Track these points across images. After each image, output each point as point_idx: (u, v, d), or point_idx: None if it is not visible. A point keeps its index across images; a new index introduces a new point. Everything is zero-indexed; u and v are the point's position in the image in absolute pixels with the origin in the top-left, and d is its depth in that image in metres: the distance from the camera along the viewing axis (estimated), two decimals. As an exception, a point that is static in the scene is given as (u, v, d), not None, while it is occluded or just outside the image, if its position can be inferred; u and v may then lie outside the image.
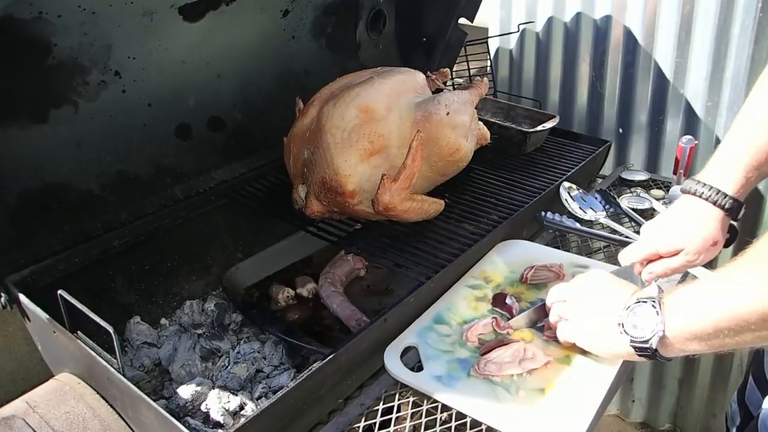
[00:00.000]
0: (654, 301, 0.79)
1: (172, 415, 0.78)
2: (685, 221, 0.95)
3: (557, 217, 1.32)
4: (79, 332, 0.90)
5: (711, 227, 0.93)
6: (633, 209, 1.37)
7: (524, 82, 2.01)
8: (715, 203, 0.92)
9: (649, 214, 1.36)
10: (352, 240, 1.22)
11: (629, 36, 1.72)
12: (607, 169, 1.63)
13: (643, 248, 0.99)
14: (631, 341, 0.80)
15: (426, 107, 1.21)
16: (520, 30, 1.92)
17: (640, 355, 0.81)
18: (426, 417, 0.89)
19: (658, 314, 0.78)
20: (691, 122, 1.69)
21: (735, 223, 0.99)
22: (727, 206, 0.92)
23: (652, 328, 0.78)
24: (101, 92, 1.13)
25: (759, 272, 0.66)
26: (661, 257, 0.97)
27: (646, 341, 0.78)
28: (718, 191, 0.92)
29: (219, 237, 1.33)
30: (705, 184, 0.94)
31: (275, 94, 1.44)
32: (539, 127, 1.53)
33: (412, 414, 0.90)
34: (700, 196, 0.93)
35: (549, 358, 0.95)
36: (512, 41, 2.00)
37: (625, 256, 1.01)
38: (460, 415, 0.89)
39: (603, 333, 0.86)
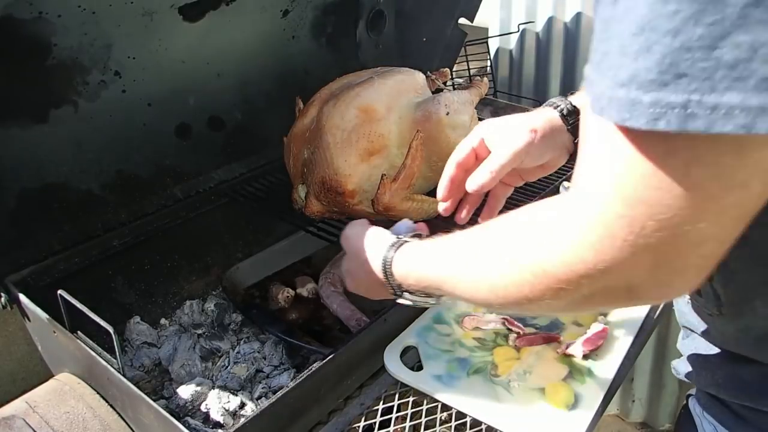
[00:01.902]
0: (395, 245, 0.73)
1: (172, 415, 0.78)
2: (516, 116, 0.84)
3: (557, 217, 1.32)
4: (79, 332, 0.90)
5: (536, 118, 0.81)
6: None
7: (524, 82, 2.01)
8: (551, 105, 0.82)
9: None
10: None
11: (629, 36, 1.72)
12: (607, 169, 1.63)
13: (470, 138, 0.86)
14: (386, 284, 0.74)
15: (426, 107, 1.21)
16: (520, 30, 1.92)
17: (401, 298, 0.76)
18: (426, 417, 0.89)
19: (411, 302, 0.74)
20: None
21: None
22: (563, 109, 0.81)
23: (394, 284, 0.73)
24: (101, 92, 1.13)
25: (481, 257, 0.59)
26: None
27: (392, 285, 0.73)
28: (562, 99, 0.82)
29: (219, 237, 1.33)
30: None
31: (275, 94, 1.44)
32: (539, 127, 1.52)
33: (412, 414, 0.90)
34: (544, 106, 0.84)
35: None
36: (512, 41, 2.00)
37: (455, 154, 0.88)
38: (460, 415, 0.89)
39: (372, 284, 0.78)
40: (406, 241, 0.75)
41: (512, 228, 0.56)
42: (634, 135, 0.39)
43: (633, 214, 0.40)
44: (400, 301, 0.76)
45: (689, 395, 0.83)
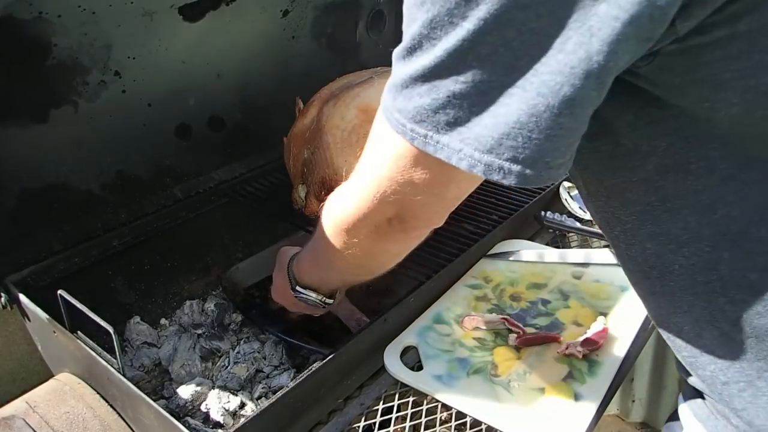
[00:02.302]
0: (296, 290, 0.94)
1: (172, 415, 0.78)
2: None
3: (557, 216, 1.32)
4: (79, 332, 0.90)
5: None
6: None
7: (524, 82, 2.01)
8: None
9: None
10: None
11: (629, 36, 1.72)
12: (607, 169, 1.63)
13: None
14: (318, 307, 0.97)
15: (426, 107, 1.21)
16: (520, 30, 1.92)
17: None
18: (426, 417, 0.89)
19: (309, 297, 0.94)
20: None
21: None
22: None
23: (317, 303, 0.95)
24: (101, 92, 1.13)
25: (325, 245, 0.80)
26: None
27: (320, 306, 0.96)
28: None
29: (219, 237, 1.33)
30: None
31: (275, 94, 1.44)
32: (539, 127, 1.52)
33: (412, 414, 0.90)
34: None
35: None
36: (512, 41, 2.00)
37: None
38: (460, 415, 0.89)
39: (284, 289, 0.98)
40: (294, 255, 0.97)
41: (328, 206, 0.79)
42: (400, 142, 0.58)
43: (381, 184, 0.64)
44: (297, 297, 0.95)
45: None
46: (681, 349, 0.68)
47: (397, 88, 0.55)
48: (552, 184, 1.38)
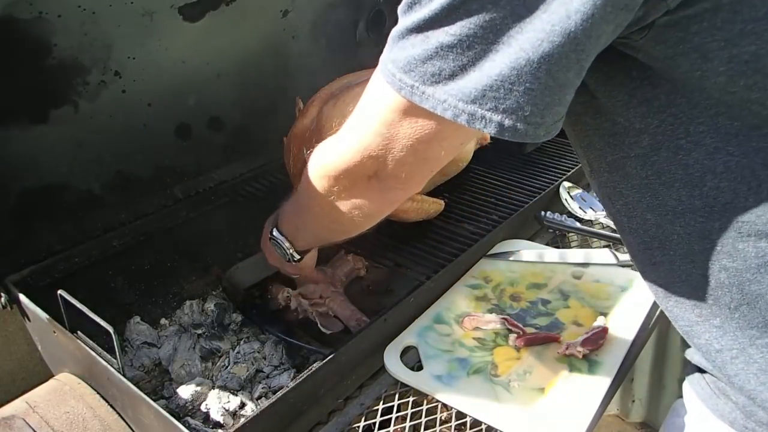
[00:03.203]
0: (272, 232, 0.97)
1: (172, 415, 0.78)
2: None
3: (557, 216, 1.32)
4: (79, 332, 0.90)
5: None
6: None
7: (524, 82, 2.01)
8: None
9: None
10: (352, 240, 1.21)
11: (629, 36, 1.72)
12: (607, 169, 1.63)
13: None
14: (285, 259, 1.00)
15: (426, 107, 1.21)
16: (520, 30, 1.92)
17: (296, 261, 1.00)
18: (426, 417, 0.89)
19: (281, 244, 0.97)
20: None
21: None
22: None
23: (285, 255, 0.98)
24: (101, 92, 1.13)
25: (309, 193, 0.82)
26: None
27: (289, 259, 0.99)
28: None
29: (219, 237, 1.33)
30: None
31: (275, 94, 1.44)
32: (539, 127, 1.52)
33: (412, 414, 0.90)
34: None
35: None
36: (512, 41, 2.00)
37: None
38: (460, 415, 0.89)
39: (278, 260, 1.03)
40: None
41: (313, 157, 0.81)
42: (390, 93, 0.61)
43: (368, 137, 0.66)
44: (271, 239, 0.98)
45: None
46: (678, 319, 0.71)
47: (394, 39, 0.59)
48: (552, 183, 1.38)
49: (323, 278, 1.14)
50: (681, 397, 0.79)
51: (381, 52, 0.62)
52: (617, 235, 1.28)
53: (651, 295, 0.97)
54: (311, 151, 0.81)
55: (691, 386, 0.75)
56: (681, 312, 0.69)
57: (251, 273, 1.24)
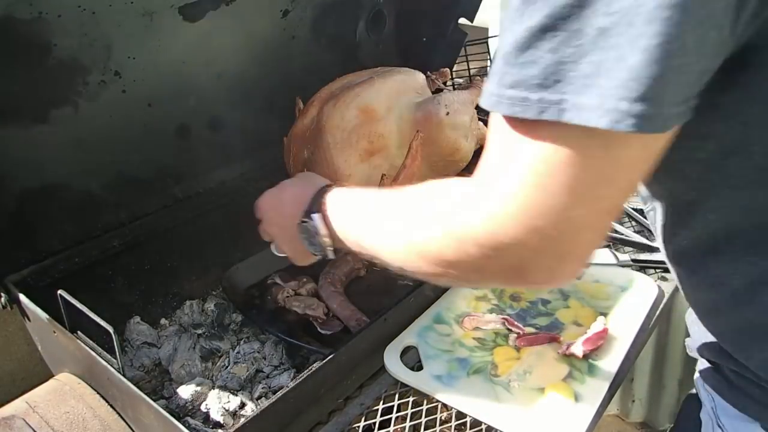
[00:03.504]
0: (311, 218, 0.79)
1: (172, 415, 0.78)
2: None
3: (557, 217, 1.32)
4: (79, 332, 0.90)
5: None
6: (633, 208, 1.37)
7: (524, 82, 2.01)
8: None
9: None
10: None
11: (629, 36, 1.72)
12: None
13: None
14: (313, 253, 0.83)
15: (426, 107, 1.21)
16: (520, 30, 1.91)
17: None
18: (426, 417, 0.89)
19: (318, 233, 0.79)
20: (691, 122, 1.69)
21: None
22: None
23: (318, 247, 0.80)
24: (101, 92, 1.13)
25: (406, 221, 0.66)
26: None
27: (321, 255, 0.82)
28: None
29: (219, 237, 1.33)
30: None
31: (275, 94, 1.44)
32: (539, 127, 1.52)
33: (412, 414, 0.90)
34: None
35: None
36: (512, 41, 2.00)
37: None
38: (460, 415, 0.89)
39: (293, 245, 0.86)
40: (332, 186, 0.81)
41: (433, 195, 0.65)
42: (525, 125, 0.49)
43: (526, 196, 0.50)
44: (304, 222, 0.80)
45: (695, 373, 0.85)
46: (739, 325, 0.68)
47: (509, 56, 0.48)
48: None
49: (342, 301, 1.11)
50: (690, 392, 0.80)
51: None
52: (617, 235, 1.28)
53: (651, 295, 0.98)
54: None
55: (704, 381, 0.76)
56: (740, 322, 0.67)
57: (251, 273, 1.24)
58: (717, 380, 0.75)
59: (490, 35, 1.99)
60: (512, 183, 0.50)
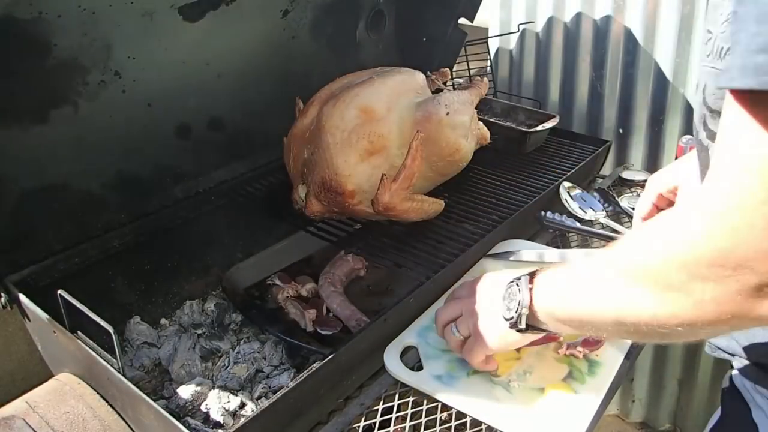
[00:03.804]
0: (518, 280, 0.77)
1: (172, 415, 0.78)
2: (681, 160, 0.98)
3: (557, 216, 1.32)
4: (79, 332, 0.90)
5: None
6: (633, 209, 1.37)
7: (524, 82, 2.01)
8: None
9: (649, 214, 1.36)
10: (352, 240, 1.22)
11: (629, 36, 1.72)
12: (607, 168, 1.63)
13: (646, 195, 1.02)
14: (505, 319, 0.79)
15: (426, 107, 1.21)
16: (520, 30, 1.91)
17: (518, 330, 0.79)
18: (426, 417, 0.89)
19: (520, 291, 0.76)
20: (691, 122, 1.69)
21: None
22: None
23: (516, 306, 0.77)
24: (101, 92, 1.13)
25: (621, 272, 0.60)
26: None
27: (514, 319, 0.78)
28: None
29: (219, 237, 1.33)
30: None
31: (275, 94, 1.44)
32: (539, 127, 1.53)
33: (412, 414, 0.90)
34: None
35: None
36: (512, 41, 2.00)
37: (637, 211, 1.06)
38: (460, 415, 0.89)
39: (492, 326, 0.83)
40: (535, 270, 0.77)
41: (655, 231, 0.56)
42: None
43: None
44: (518, 332, 0.78)
45: (731, 374, 0.84)
46: None
47: (762, 18, 0.39)
48: (552, 183, 1.38)
49: (342, 301, 1.11)
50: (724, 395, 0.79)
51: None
52: (617, 235, 1.28)
53: None
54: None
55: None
56: None
57: (251, 273, 1.24)
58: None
59: (490, 35, 1.99)
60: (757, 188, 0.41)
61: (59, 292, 0.88)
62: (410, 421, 0.89)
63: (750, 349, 0.76)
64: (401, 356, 0.98)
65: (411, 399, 0.92)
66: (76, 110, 1.11)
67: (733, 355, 0.81)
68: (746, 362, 0.78)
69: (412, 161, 1.14)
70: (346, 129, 1.13)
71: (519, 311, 0.77)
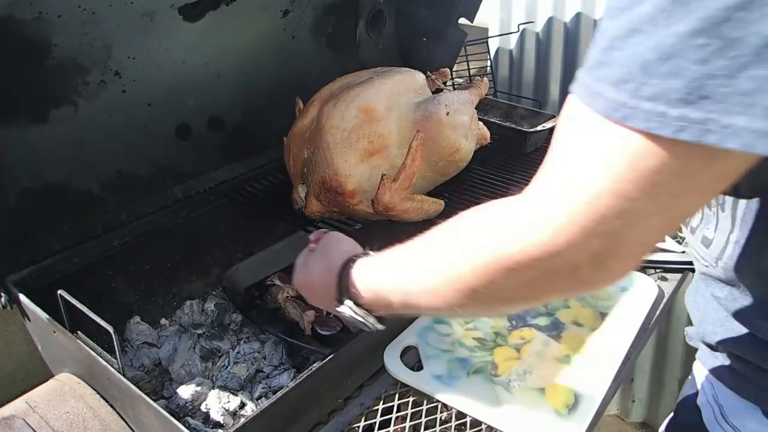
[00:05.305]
0: (344, 301, 0.76)
1: (172, 415, 0.78)
2: None
3: (557, 217, 1.32)
4: (79, 332, 0.90)
5: None
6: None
7: (524, 82, 2.01)
8: None
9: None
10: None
11: (629, 36, 1.72)
12: (607, 169, 1.63)
13: None
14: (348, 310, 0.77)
15: (426, 107, 1.21)
16: (520, 30, 1.92)
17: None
18: (426, 417, 0.89)
19: (355, 315, 0.76)
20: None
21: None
22: None
23: (363, 325, 0.77)
24: (101, 92, 1.13)
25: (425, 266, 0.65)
26: None
27: (368, 329, 0.78)
28: None
29: (219, 237, 1.33)
30: None
31: (275, 94, 1.44)
32: (539, 127, 1.52)
33: (412, 414, 0.90)
34: None
35: None
36: (512, 41, 2.00)
37: None
38: (460, 415, 0.89)
39: (322, 287, 0.80)
40: (368, 254, 0.77)
41: (473, 221, 0.63)
42: (645, 139, 0.43)
43: (599, 204, 0.46)
44: (339, 309, 0.77)
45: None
46: None
47: (650, 64, 0.42)
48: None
49: None
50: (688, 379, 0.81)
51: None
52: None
53: (651, 295, 0.99)
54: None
55: (703, 365, 0.77)
56: None
57: (251, 273, 1.24)
58: (720, 368, 0.76)
59: (490, 35, 1.99)
60: (590, 192, 0.47)
61: (59, 292, 0.88)
62: (410, 421, 0.89)
63: (702, 331, 0.79)
64: (401, 356, 0.98)
65: (411, 399, 0.92)
66: (76, 110, 1.11)
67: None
68: (704, 348, 0.81)
69: (412, 161, 1.14)
70: (346, 129, 1.13)
71: (369, 328, 0.78)
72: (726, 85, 0.40)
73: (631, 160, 0.44)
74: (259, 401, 0.98)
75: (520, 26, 1.90)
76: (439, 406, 0.91)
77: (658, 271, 1.18)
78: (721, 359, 0.77)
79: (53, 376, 1.00)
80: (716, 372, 0.77)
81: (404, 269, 0.69)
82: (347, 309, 0.76)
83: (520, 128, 1.55)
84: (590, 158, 0.47)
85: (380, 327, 0.78)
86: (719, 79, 0.40)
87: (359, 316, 0.76)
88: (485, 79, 1.54)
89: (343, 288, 0.76)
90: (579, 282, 0.53)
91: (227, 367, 1.04)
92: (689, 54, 0.40)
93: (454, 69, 1.80)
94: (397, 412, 0.91)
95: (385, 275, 0.72)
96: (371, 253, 0.78)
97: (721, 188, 0.47)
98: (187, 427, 0.77)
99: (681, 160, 0.43)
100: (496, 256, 0.54)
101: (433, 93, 1.32)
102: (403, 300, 0.69)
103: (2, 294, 1.02)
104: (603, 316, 1.04)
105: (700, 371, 0.82)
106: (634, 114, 0.43)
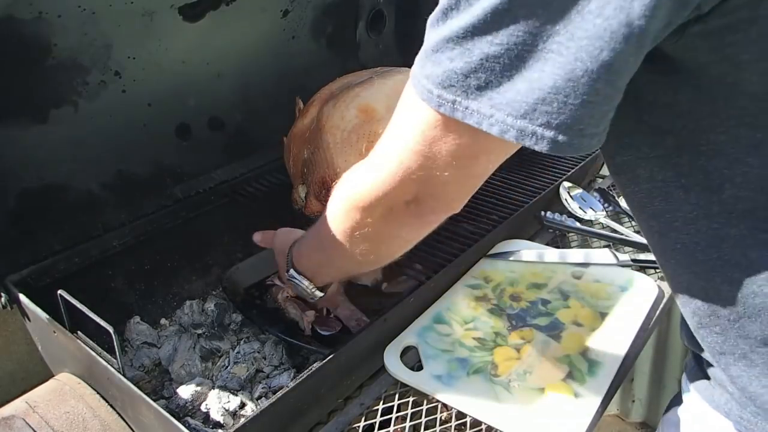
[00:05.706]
0: (290, 273, 0.94)
1: (172, 415, 0.78)
2: None
3: (557, 216, 1.32)
4: (79, 332, 0.90)
5: None
6: (633, 209, 1.37)
7: (524, 82, 2.01)
8: None
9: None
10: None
11: (629, 36, 1.72)
12: (607, 169, 1.63)
13: None
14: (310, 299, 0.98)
15: (426, 107, 1.21)
16: (520, 30, 1.92)
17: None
18: (426, 417, 0.89)
19: (300, 285, 0.94)
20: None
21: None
22: None
23: (308, 294, 0.96)
24: (101, 92, 1.13)
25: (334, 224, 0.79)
26: None
27: (312, 298, 0.97)
28: None
29: (219, 237, 1.33)
30: None
31: (275, 94, 1.44)
32: (539, 127, 1.52)
33: (412, 414, 0.90)
34: None
35: None
36: (512, 41, 2.00)
37: None
38: (460, 415, 0.89)
39: (283, 274, 0.99)
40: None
41: (342, 180, 0.78)
42: (427, 110, 0.58)
43: (405, 159, 0.63)
44: (288, 277, 0.95)
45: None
46: (687, 317, 0.71)
47: (427, 53, 0.55)
48: (552, 183, 1.38)
49: (342, 301, 1.13)
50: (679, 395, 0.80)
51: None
52: (617, 235, 1.29)
53: (650, 295, 0.99)
54: (334, 184, 0.79)
55: (687, 376, 0.77)
56: (687, 312, 0.70)
57: (251, 273, 1.24)
58: (694, 366, 0.76)
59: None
60: (398, 150, 0.65)
61: (59, 292, 0.88)
62: (410, 421, 0.89)
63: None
64: (401, 356, 0.98)
65: (411, 399, 0.92)
66: (76, 110, 1.11)
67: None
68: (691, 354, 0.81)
69: (412, 161, 1.14)
70: (346, 129, 1.13)
71: (312, 296, 0.96)
72: (463, 80, 0.53)
73: (422, 126, 0.60)
74: (259, 401, 0.97)
75: (520, 26, 1.90)
76: (439, 406, 0.91)
77: (658, 271, 1.18)
78: (701, 369, 0.76)
79: (53, 376, 1.00)
80: (698, 385, 0.76)
81: (317, 232, 0.85)
82: (294, 279, 0.94)
83: (520, 128, 1.54)
84: (401, 124, 0.64)
85: (319, 294, 0.95)
86: (459, 75, 0.53)
87: (303, 284, 0.93)
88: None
89: (289, 262, 0.94)
90: (417, 215, 0.69)
91: (227, 367, 1.04)
92: (445, 52, 0.53)
93: (454, 69, 1.80)
94: (397, 412, 0.91)
95: (309, 244, 0.91)
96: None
97: (478, 150, 0.60)
98: (187, 427, 0.77)
99: (445, 129, 0.58)
100: (352, 200, 0.72)
101: (433, 93, 1.32)
102: (321, 259, 0.89)
103: (2, 294, 1.02)
104: (603, 316, 1.04)
105: (684, 381, 0.82)
106: (418, 87, 0.57)
